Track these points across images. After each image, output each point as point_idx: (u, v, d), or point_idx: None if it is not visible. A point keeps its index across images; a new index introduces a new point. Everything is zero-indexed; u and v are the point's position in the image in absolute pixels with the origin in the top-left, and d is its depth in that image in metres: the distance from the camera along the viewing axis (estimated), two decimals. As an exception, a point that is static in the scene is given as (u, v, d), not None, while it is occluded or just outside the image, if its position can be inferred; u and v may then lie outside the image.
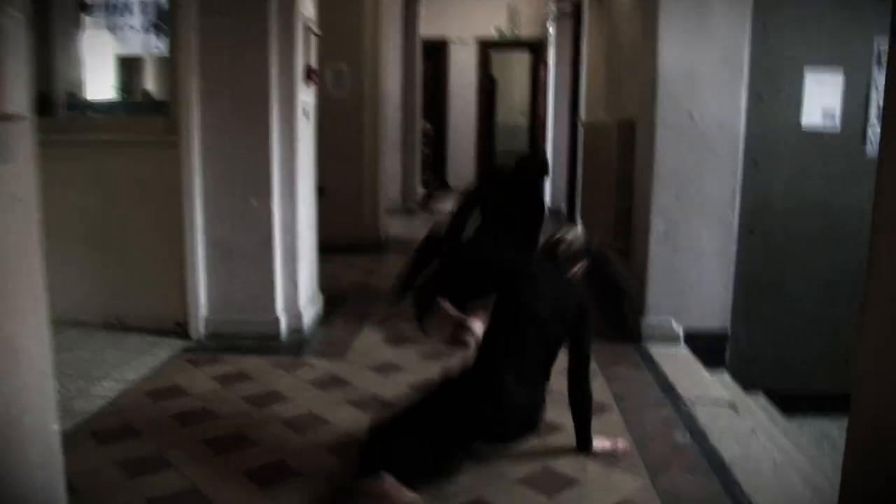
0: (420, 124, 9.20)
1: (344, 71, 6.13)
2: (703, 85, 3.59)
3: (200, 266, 3.79)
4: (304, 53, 3.89)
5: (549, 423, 2.80)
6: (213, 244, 3.78)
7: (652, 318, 3.78)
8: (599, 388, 3.12)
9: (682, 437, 2.68)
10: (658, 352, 3.66)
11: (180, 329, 3.87)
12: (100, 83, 7.77)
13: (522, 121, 15.26)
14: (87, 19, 7.28)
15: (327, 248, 6.23)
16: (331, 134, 6.22)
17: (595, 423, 2.65)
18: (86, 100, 6.60)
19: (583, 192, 6.27)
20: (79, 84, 6.70)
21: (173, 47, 3.71)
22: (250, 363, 3.51)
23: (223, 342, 3.79)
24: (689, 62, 3.57)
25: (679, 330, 3.77)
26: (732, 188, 3.67)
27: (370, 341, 3.87)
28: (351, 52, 6.12)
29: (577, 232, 2.68)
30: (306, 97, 3.96)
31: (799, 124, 3.73)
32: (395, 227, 7.80)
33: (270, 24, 3.62)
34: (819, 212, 3.83)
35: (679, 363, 3.52)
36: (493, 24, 10.69)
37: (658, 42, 3.55)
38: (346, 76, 6.13)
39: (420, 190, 9.57)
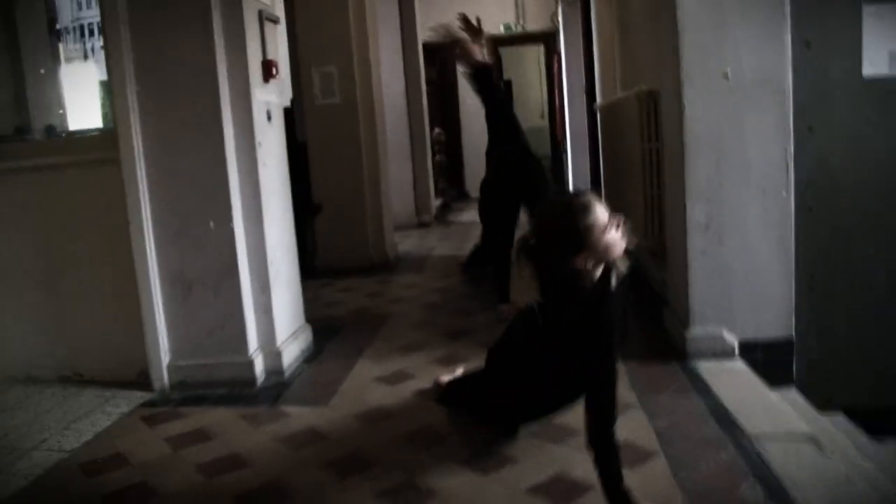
0: (429, 131, 8.61)
1: (333, 74, 5.56)
2: (736, 34, 2.92)
3: (158, 304, 3.21)
4: (260, 45, 3.31)
5: (576, 481, 2.15)
6: (169, 277, 3.21)
7: (698, 330, 3.11)
8: (638, 427, 2.47)
9: (752, 491, 2.01)
10: (709, 370, 2.98)
11: (144, 379, 3.31)
12: (90, 112, 7.36)
13: (542, 123, 14.63)
14: (63, 49, 6.85)
15: (328, 272, 5.69)
16: (323, 145, 5.68)
17: (634, 477, 2.00)
18: (65, 130, 6.16)
19: (605, 187, 5.61)
20: (60, 115, 6.26)
21: (107, 50, 3.14)
22: (214, 417, 2.92)
23: (190, 392, 3.21)
24: (717, 6, 2.90)
25: (733, 341, 3.09)
26: (784, 158, 2.98)
27: (362, 380, 3.24)
28: (338, 53, 5.55)
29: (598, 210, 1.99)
30: (268, 96, 3.37)
31: (860, 73, 3.03)
32: (409, 243, 7.22)
33: (213, 15, 3.04)
34: (892, 179, 3.12)
35: (736, 384, 2.84)
36: (500, 21, 10.09)
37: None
38: (335, 79, 5.56)
39: (435, 201, 8.97)
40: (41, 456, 2.66)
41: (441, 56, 10.25)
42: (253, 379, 3.22)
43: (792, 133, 2.97)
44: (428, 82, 9.28)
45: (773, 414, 2.54)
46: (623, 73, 5.01)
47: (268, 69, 3.33)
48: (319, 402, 3.01)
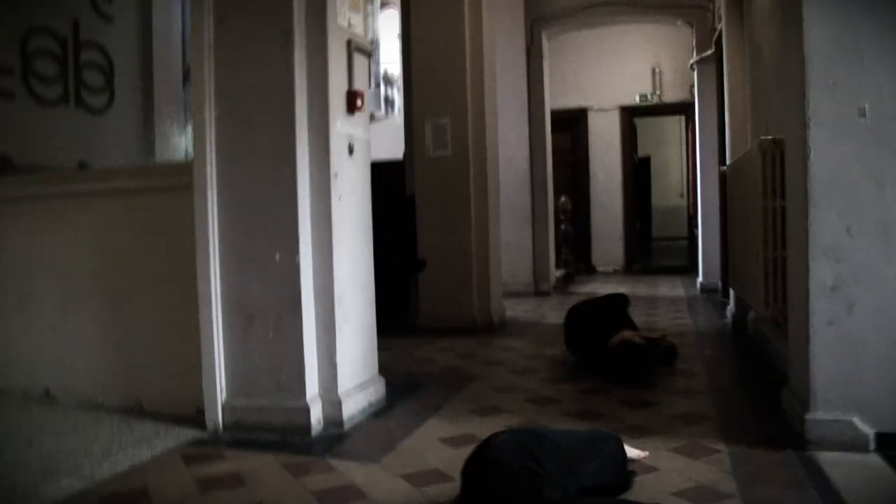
0: (553, 198, 8.31)
1: (446, 126, 5.43)
2: (874, 67, 2.47)
3: (218, 337, 3.06)
4: (346, 76, 3.18)
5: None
6: (231, 309, 3.06)
7: (821, 414, 2.57)
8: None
9: None
10: (833, 464, 2.42)
11: (201, 417, 3.14)
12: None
13: (681, 202, 13.98)
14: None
15: (429, 330, 5.44)
16: (432, 199, 5.53)
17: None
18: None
19: (730, 254, 5.07)
20: (182, 151, 6.48)
21: (192, 72, 3.12)
22: (256, 462, 2.68)
23: (242, 434, 3.00)
24: (851, 33, 2.48)
25: (867, 432, 2.52)
26: (937, 212, 2.46)
27: (426, 440, 2.92)
28: (452, 105, 5.43)
29: None
30: (350, 129, 3.22)
31: None
32: (521, 309, 6.87)
33: (294, 40, 2.95)
34: None
35: (868, 484, 2.29)
36: (636, 91, 9.77)
37: (803, 12, 2.49)
38: (447, 131, 5.42)
39: (557, 271, 8.59)
40: (69, 483, 2.50)
41: (574, 126, 10.05)
42: (308, 427, 2.97)
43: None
44: (559, 151, 9.08)
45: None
46: (752, 130, 4.54)
47: (352, 100, 3.20)
48: (372, 458, 2.71)
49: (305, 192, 3.02)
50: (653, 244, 13.84)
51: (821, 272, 2.54)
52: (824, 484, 2.28)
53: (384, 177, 6.10)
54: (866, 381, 2.52)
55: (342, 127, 3.14)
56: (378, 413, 3.32)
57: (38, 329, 3.59)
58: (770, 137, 3.26)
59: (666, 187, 15.26)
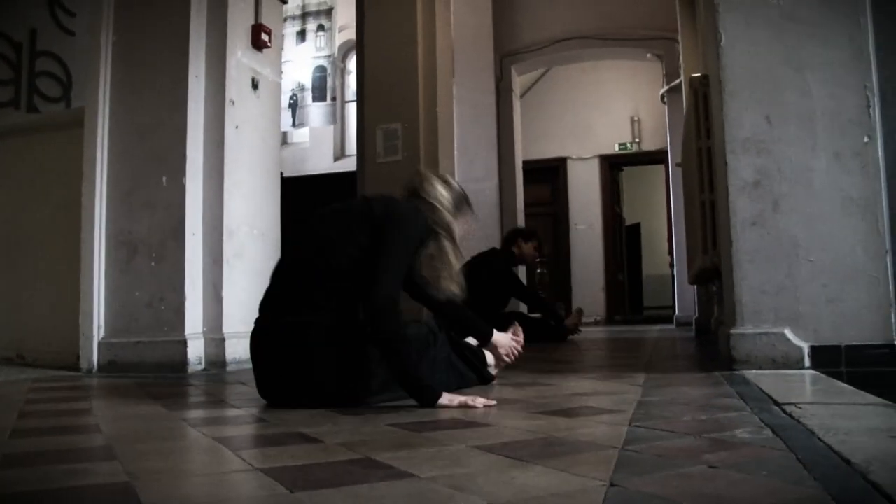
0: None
1: (397, 130, 5.27)
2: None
3: (100, 271, 2.80)
4: (254, 10, 3.03)
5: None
6: (116, 241, 2.80)
7: (749, 328, 2.25)
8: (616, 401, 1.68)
9: (752, 435, 1.19)
10: (758, 375, 2.09)
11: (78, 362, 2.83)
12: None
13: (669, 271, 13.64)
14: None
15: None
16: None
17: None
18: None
19: (687, 249, 4.78)
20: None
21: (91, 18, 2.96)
22: (106, 384, 2.36)
23: (114, 376, 2.68)
24: None
25: (802, 345, 2.20)
26: (863, 94, 2.22)
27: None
28: (403, 108, 5.28)
29: None
30: (256, 65, 3.04)
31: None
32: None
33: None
34: None
35: (790, 379, 1.96)
36: (615, 140, 9.69)
37: None
38: (398, 135, 5.25)
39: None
40: None
41: (553, 175, 9.92)
42: (184, 363, 2.66)
43: (874, 60, 2.22)
44: (539, 202, 9.09)
45: (846, 396, 1.65)
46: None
47: (257, 34, 3.02)
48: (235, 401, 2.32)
49: (199, 116, 2.83)
50: (644, 313, 13.44)
51: (739, 166, 2.27)
52: (742, 381, 1.95)
53: (334, 187, 5.94)
54: (798, 289, 2.22)
55: (245, 58, 2.97)
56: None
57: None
58: (700, 74, 3.05)
59: (658, 256, 14.96)
